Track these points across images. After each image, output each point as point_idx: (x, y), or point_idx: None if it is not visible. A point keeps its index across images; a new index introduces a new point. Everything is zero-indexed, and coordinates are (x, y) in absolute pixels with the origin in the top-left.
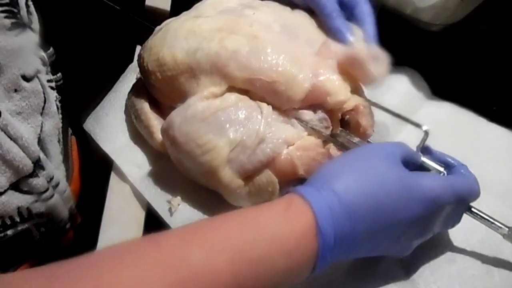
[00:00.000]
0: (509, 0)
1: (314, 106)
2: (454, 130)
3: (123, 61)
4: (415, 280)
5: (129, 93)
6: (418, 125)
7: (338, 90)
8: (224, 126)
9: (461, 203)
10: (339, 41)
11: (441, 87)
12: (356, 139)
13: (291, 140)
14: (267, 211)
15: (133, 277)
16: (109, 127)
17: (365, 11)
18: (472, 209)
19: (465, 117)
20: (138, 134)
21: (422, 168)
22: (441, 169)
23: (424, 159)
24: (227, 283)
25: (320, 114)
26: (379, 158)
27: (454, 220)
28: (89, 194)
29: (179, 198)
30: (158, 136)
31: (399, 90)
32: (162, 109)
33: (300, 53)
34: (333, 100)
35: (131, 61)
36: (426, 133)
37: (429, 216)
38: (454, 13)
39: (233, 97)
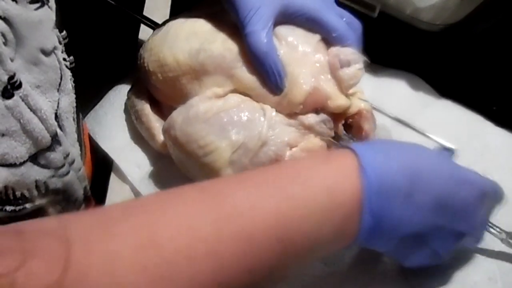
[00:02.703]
0: (509, 0)
1: (316, 109)
2: (459, 134)
3: (123, 60)
4: (414, 286)
5: (128, 92)
6: (440, 144)
7: (338, 94)
8: (226, 128)
9: (491, 205)
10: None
11: (441, 87)
12: None
13: (294, 142)
14: (307, 159)
15: (176, 215)
16: (109, 126)
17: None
18: None
19: (472, 121)
20: (138, 134)
21: None
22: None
23: None
24: (271, 223)
25: (323, 116)
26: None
27: (482, 227)
28: (99, 181)
29: None
30: (159, 137)
31: (401, 96)
32: (162, 110)
33: (301, 54)
34: (333, 104)
35: (131, 60)
36: (452, 152)
37: (475, 206)
38: (454, 13)
39: (235, 98)
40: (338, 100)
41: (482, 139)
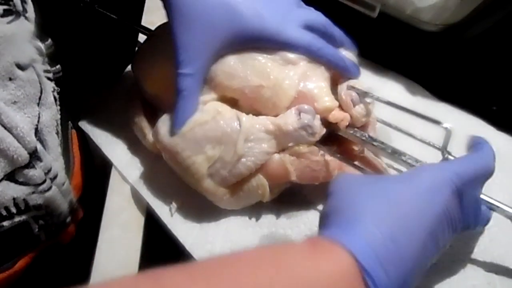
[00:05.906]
0: (508, 0)
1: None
2: (461, 139)
3: (123, 62)
4: None
5: (127, 95)
6: (437, 122)
7: (325, 96)
8: (201, 144)
9: (475, 184)
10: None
11: (440, 87)
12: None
13: (273, 150)
14: (289, 249)
15: None
16: (109, 129)
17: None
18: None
19: (473, 125)
20: (137, 136)
21: None
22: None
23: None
24: None
25: (305, 119)
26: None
27: (477, 205)
28: (92, 189)
29: (179, 199)
30: (150, 137)
31: (399, 102)
32: (156, 113)
33: (289, 58)
34: (320, 105)
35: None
36: (449, 132)
37: (457, 211)
38: (454, 13)
39: (212, 108)
40: (325, 102)
41: None
